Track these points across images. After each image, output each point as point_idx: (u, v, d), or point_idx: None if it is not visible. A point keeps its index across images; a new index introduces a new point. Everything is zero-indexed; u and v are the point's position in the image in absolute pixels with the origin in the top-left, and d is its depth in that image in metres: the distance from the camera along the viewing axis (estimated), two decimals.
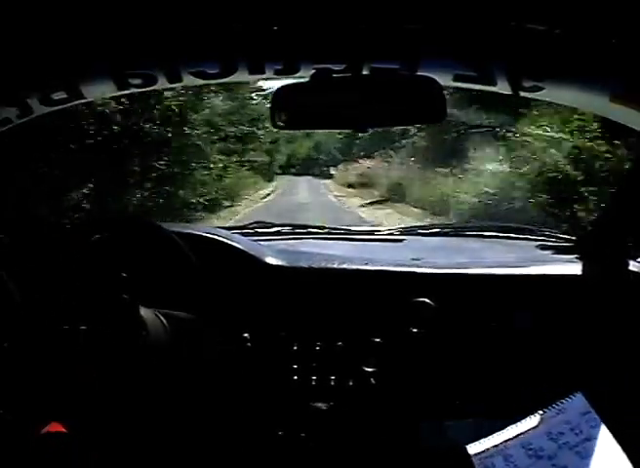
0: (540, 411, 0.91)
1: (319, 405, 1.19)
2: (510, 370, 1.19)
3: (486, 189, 7.23)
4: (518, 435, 0.89)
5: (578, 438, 0.88)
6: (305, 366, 1.20)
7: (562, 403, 0.92)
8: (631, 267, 1.21)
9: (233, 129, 10.50)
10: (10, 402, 1.10)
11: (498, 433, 0.90)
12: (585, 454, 0.87)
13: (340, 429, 1.19)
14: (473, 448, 0.88)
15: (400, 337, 1.21)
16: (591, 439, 0.88)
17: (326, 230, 1.59)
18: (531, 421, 0.91)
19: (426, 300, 1.21)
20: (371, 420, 1.21)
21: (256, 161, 13.10)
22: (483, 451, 0.88)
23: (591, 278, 1.23)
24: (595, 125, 5.46)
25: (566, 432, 0.89)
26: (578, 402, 0.92)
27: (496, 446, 0.89)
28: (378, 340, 1.21)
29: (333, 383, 1.20)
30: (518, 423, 0.91)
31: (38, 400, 1.10)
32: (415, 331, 1.20)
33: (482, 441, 0.89)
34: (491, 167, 7.41)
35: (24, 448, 1.07)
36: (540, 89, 1.01)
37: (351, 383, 1.20)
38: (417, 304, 1.21)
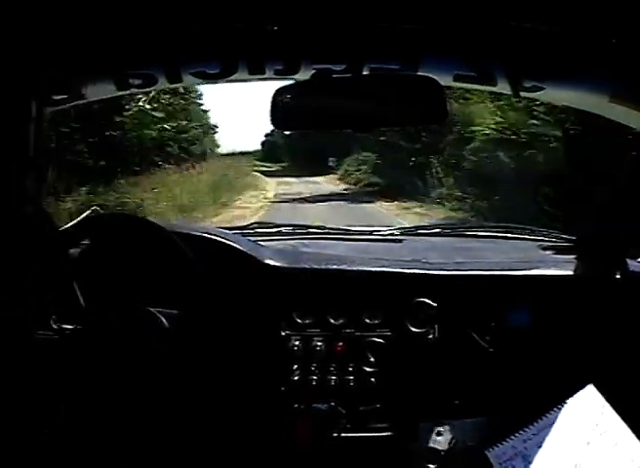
0: (550, 410, 0.92)
1: (319, 405, 1.19)
2: (510, 369, 1.19)
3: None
4: (534, 435, 0.90)
5: (593, 432, 0.89)
6: (305, 366, 1.20)
7: (572, 399, 0.93)
8: (631, 267, 1.21)
9: None
10: (17, 401, 1.10)
11: (515, 435, 0.90)
12: (601, 448, 0.88)
13: (340, 429, 1.19)
14: (493, 453, 0.89)
15: (400, 337, 1.21)
16: (606, 433, 0.89)
17: (326, 230, 1.58)
18: (544, 421, 0.91)
19: (426, 300, 1.21)
20: (371, 420, 1.21)
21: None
22: (503, 454, 0.88)
23: (591, 278, 1.23)
24: None
25: (580, 427, 0.90)
26: (590, 393, 0.94)
27: (514, 447, 0.89)
28: (378, 340, 1.21)
29: (333, 383, 1.20)
30: (533, 424, 0.92)
31: (44, 398, 1.10)
32: (415, 330, 1.20)
33: (500, 444, 0.90)
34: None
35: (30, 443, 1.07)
36: (540, 89, 1.01)
37: (351, 383, 1.20)
38: (417, 304, 1.21)
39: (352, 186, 13.90)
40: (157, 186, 8.91)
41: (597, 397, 0.96)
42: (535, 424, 0.92)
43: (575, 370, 1.12)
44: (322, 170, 16.55)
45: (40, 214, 1.22)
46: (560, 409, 0.94)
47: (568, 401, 0.95)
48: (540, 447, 0.89)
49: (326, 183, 15.37)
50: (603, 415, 0.93)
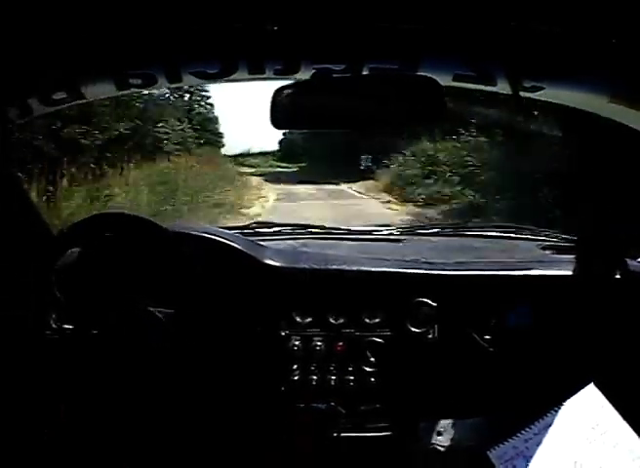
0: (551, 409, 0.93)
1: (319, 405, 1.19)
2: (510, 369, 1.19)
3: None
4: (535, 435, 0.90)
5: (594, 432, 0.89)
6: (305, 365, 1.21)
7: (573, 398, 0.93)
8: (631, 267, 1.21)
9: None
10: (17, 401, 1.10)
11: (516, 435, 0.91)
12: (602, 448, 0.88)
13: (341, 428, 1.19)
14: (495, 453, 0.89)
15: (400, 337, 1.21)
16: (607, 432, 0.89)
17: (326, 230, 1.58)
18: (544, 421, 0.92)
19: (426, 300, 1.21)
20: (371, 420, 1.21)
21: None
22: (505, 454, 0.89)
23: (591, 278, 1.23)
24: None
25: (580, 426, 0.90)
26: (591, 393, 0.94)
27: (516, 447, 0.90)
28: (378, 340, 1.21)
29: (333, 383, 1.20)
30: (534, 424, 0.92)
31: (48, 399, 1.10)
32: (415, 330, 1.20)
33: (502, 444, 0.90)
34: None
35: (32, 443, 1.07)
36: (540, 89, 1.01)
37: (351, 383, 1.20)
38: (417, 304, 1.21)
39: (419, 209, 7.68)
40: None
41: (598, 396, 0.96)
42: (536, 424, 0.92)
43: (575, 369, 1.12)
44: (352, 174, 10.93)
45: (34, 214, 1.23)
46: (561, 408, 0.94)
47: (568, 400, 0.95)
48: (541, 446, 0.90)
49: (366, 198, 9.36)
50: (604, 415, 0.93)
